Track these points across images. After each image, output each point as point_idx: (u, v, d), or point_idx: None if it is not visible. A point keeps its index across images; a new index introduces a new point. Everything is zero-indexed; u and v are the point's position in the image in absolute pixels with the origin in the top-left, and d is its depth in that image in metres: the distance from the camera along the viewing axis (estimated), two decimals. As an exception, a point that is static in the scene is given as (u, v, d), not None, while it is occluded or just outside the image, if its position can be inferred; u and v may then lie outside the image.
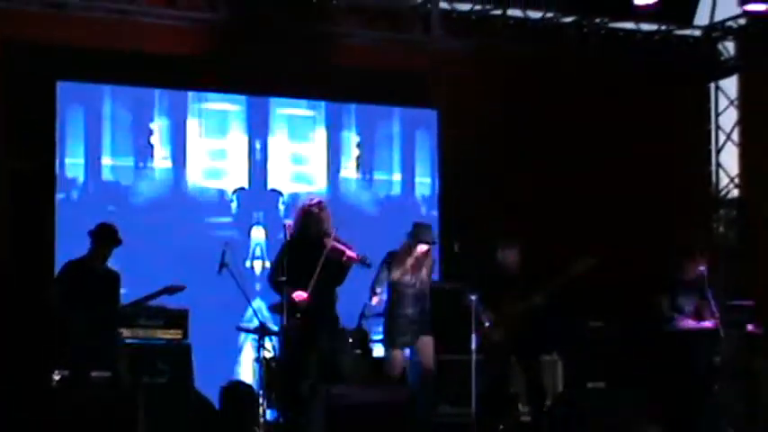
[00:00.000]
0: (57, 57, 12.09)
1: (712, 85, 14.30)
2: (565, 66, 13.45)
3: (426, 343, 10.37)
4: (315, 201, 10.30)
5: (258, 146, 13.05)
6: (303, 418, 10.06)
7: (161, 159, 12.70)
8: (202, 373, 10.89)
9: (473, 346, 10.34)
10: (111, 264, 10.01)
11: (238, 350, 12.38)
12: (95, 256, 9.83)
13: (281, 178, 13.10)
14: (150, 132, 12.70)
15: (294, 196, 12.83)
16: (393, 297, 10.46)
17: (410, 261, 10.40)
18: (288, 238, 10.04)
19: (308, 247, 9.91)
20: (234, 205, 12.93)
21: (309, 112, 13.32)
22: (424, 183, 13.64)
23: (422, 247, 10.38)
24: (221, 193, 12.90)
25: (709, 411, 10.92)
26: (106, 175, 12.49)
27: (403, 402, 9.97)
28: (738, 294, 13.29)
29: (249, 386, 10.81)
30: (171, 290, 10.02)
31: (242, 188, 12.98)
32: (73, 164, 12.33)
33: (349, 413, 9.63)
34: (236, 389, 10.74)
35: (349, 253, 9.94)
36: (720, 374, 11.17)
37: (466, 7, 13.69)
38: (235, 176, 12.97)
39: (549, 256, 11.14)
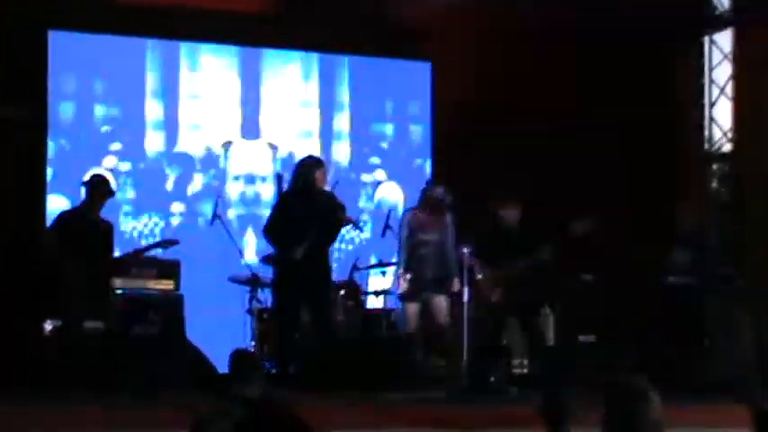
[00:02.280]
0: (48, 5, 12.01)
1: (706, 39, 14.24)
2: (559, 18, 13.37)
3: (439, 302, 10.49)
4: (314, 158, 10.38)
5: (250, 98, 13.00)
6: (295, 369, 10.12)
7: (152, 110, 12.65)
8: (193, 324, 10.92)
9: (465, 298, 10.38)
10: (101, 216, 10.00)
11: (230, 302, 12.37)
12: (89, 207, 9.80)
13: (273, 131, 13.05)
14: (142, 83, 12.64)
15: (288, 150, 12.84)
16: (412, 256, 10.56)
17: (425, 209, 10.56)
18: (283, 192, 10.09)
19: (304, 202, 9.94)
20: (222, 159, 12.89)
21: (302, 64, 13.27)
22: (418, 135, 13.61)
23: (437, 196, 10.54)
24: (211, 145, 12.86)
25: (698, 365, 10.99)
26: (98, 125, 12.45)
27: (393, 354, 10.02)
28: (729, 248, 13.33)
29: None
30: (165, 244, 10.03)
31: (231, 142, 12.93)
32: (64, 113, 12.29)
33: (338, 364, 9.68)
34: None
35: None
36: (710, 327, 11.23)
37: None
38: (226, 129, 12.92)
39: (543, 207, 11.13)
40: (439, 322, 10.53)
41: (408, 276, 10.62)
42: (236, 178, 12.80)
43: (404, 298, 10.68)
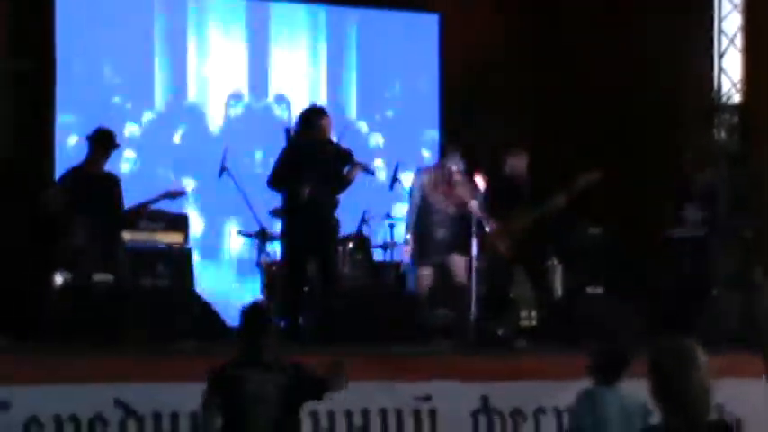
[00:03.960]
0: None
1: (716, -10, 14.16)
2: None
3: (457, 261, 10.34)
4: (317, 107, 10.35)
5: (258, 53, 12.97)
6: (304, 322, 10.15)
7: (160, 63, 12.64)
8: (202, 277, 10.95)
9: (473, 250, 10.36)
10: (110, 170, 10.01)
11: (239, 254, 12.42)
12: (93, 161, 9.79)
13: (281, 86, 13.03)
14: (150, 38, 12.61)
15: (296, 103, 12.83)
16: (425, 217, 10.43)
17: (441, 184, 10.42)
18: (288, 142, 10.08)
19: (309, 152, 9.93)
20: (233, 111, 12.88)
21: (310, 18, 13.23)
22: (426, 89, 13.56)
23: (452, 169, 10.39)
24: (219, 99, 12.85)
25: (706, 317, 10.99)
26: (106, 79, 12.43)
27: (401, 306, 10.03)
28: (737, 201, 13.30)
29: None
30: (172, 194, 10.00)
31: (239, 94, 12.92)
32: (72, 66, 12.26)
33: (347, 316, 9.70)
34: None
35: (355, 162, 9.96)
36: (718, 281, 11.23)
37: None
38: (235, 83, 12.91)
39: (552, 160, 11.13)
40: (457, 282, 10.39)
41: (413, 239, 10.52)
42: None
43: (416, 261, 10.55)
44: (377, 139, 13.34)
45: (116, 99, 12.40)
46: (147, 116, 12.52)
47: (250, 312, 6.66)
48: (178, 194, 10.11)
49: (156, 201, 9.96)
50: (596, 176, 10.38)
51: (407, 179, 10.99)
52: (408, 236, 10.62)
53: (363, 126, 13.32)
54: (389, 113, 13.39)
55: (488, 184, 10.54)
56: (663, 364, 4.34)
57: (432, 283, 10.49)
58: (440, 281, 10.58)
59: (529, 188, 10.59)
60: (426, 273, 10.43)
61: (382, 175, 12.07)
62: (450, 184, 10.42)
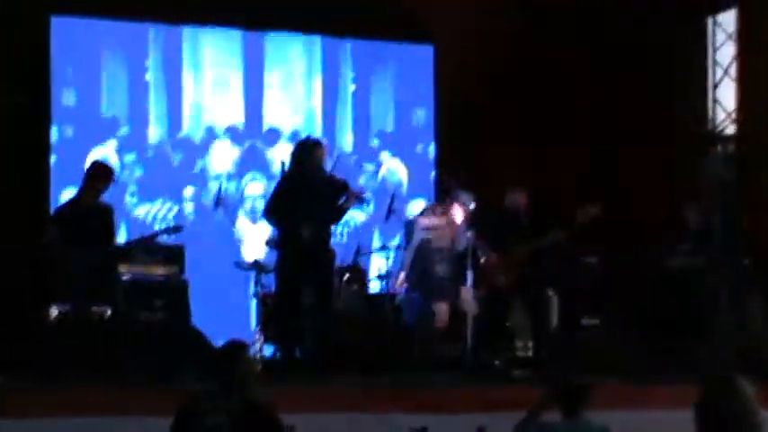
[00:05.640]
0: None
1: (710, 20, 14.19)
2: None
3: (466, 294, 10.39)
4: (312, 139, 10.37)
5: (253, 83, 12.99)
6: (300, 353, 10.13)
7: (155, 97, 12.66)
8: (199, 310, 10.93)
9: (469, 282, 10.37)
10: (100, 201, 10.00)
11: (235, 287, 12.40)
12: (87, 194, 9.75)
13: (276, 116, 13.05)
14: (145, 69, 12.64)
15: (292, 135, 12.83)
16: (423, 255, 10.49)
17: (441, 221, 10.50)
18: (284, 174, 10.09)
19: (304, 183, 9.93)
20: (227, 143, 12.90)
21: (305, 49, 13.26)
22: (421, 119, 13.59)
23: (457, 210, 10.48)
24: (215, 131, 12.86)
25: (708, 345, 10.98)
26: (101, 111, 12.45)
27: (398, 338, 10.01)
28: (734, 229, 13.30)
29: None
30: (169, 230, 10.00)
31: (234, 126, 12.93)
32: (67, 100, 12.28)
33: (343, 348, 9.68)
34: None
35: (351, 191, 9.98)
36: (720, 308, 11.21)
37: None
38: (230, 114, 12.93)
39: (546, 190, 11.13)
40: (471, 313, 10.42)
41: (412, 276, 10.60)
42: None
43: (430, 299, 10.61)
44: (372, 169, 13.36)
45: (111, 132, 12.40)
46: (143, 148, 12.53)
47: (224, 347, 6.79)
48: (177, 229, 10.12)
49: (155, 236, 9.96)
50: (596, 210, 10.36)
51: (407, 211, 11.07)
52: (403, 273, 10.71)
53: (385, 156, 13.35)
54: (384, 143, 13.40)
55: (488, 216, 10.58)
56: (711, 399, 4.33)
57: (447, 318, 10.56)
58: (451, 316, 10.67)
59: (528, 220, 10.59)
60: (444, 308, 10.51)
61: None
62: (452, 223, 10.52)
